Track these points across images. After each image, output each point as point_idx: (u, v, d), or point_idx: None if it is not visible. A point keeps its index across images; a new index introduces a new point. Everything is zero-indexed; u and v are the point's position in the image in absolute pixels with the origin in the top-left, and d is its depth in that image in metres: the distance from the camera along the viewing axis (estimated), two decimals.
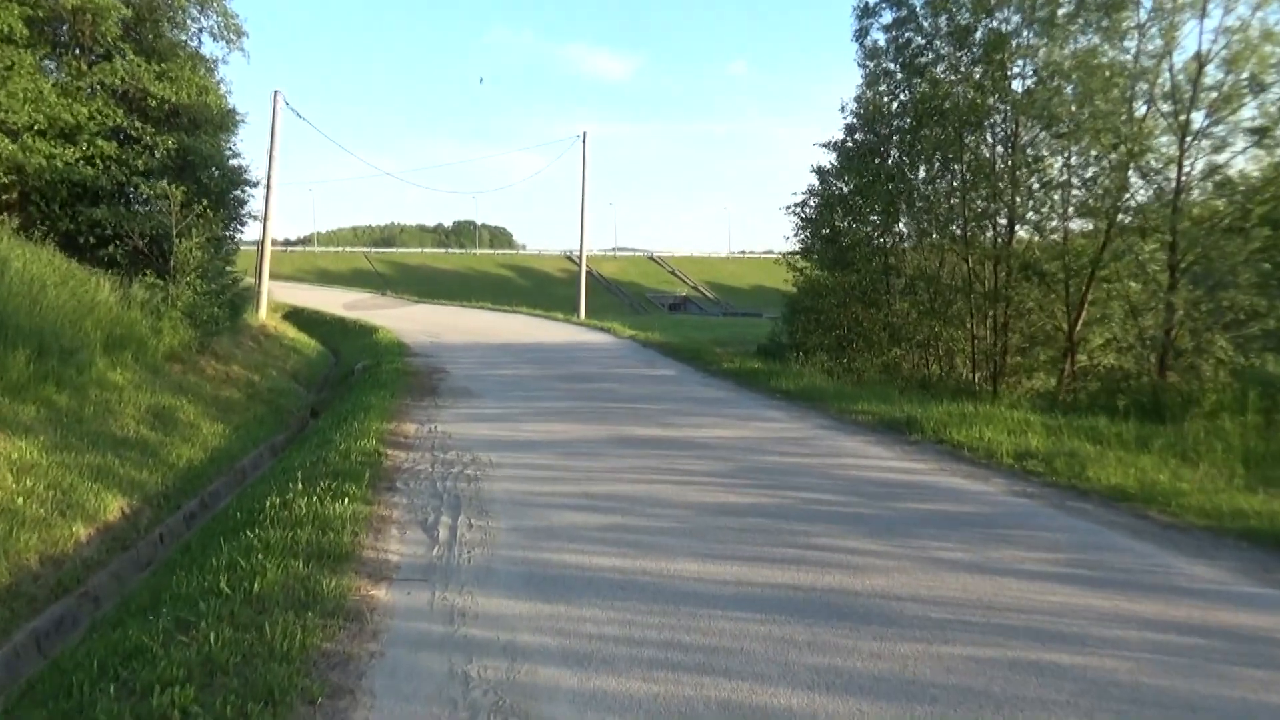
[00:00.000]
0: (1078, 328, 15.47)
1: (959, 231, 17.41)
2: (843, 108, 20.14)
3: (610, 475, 7.80)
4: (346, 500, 6.59)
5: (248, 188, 21.75)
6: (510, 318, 35.50)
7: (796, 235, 20.50)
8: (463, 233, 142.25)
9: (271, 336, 25.88)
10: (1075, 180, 16.06)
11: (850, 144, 19.82)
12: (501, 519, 6.35)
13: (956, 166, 16.92)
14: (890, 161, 18.87)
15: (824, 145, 20.27)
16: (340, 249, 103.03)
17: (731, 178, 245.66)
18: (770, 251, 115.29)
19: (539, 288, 74.84)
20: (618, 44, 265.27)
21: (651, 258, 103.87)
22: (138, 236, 16.44)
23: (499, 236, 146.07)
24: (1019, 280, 16.31)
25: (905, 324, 17.50)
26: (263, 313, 28.88)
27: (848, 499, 6.97)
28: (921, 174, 18.66)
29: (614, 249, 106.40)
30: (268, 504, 6.60)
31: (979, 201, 17.06)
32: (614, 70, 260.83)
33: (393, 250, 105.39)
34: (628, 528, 6.13)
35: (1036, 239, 16.53)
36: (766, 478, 7.71)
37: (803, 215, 20.27)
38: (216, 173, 19.82)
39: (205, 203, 16.60)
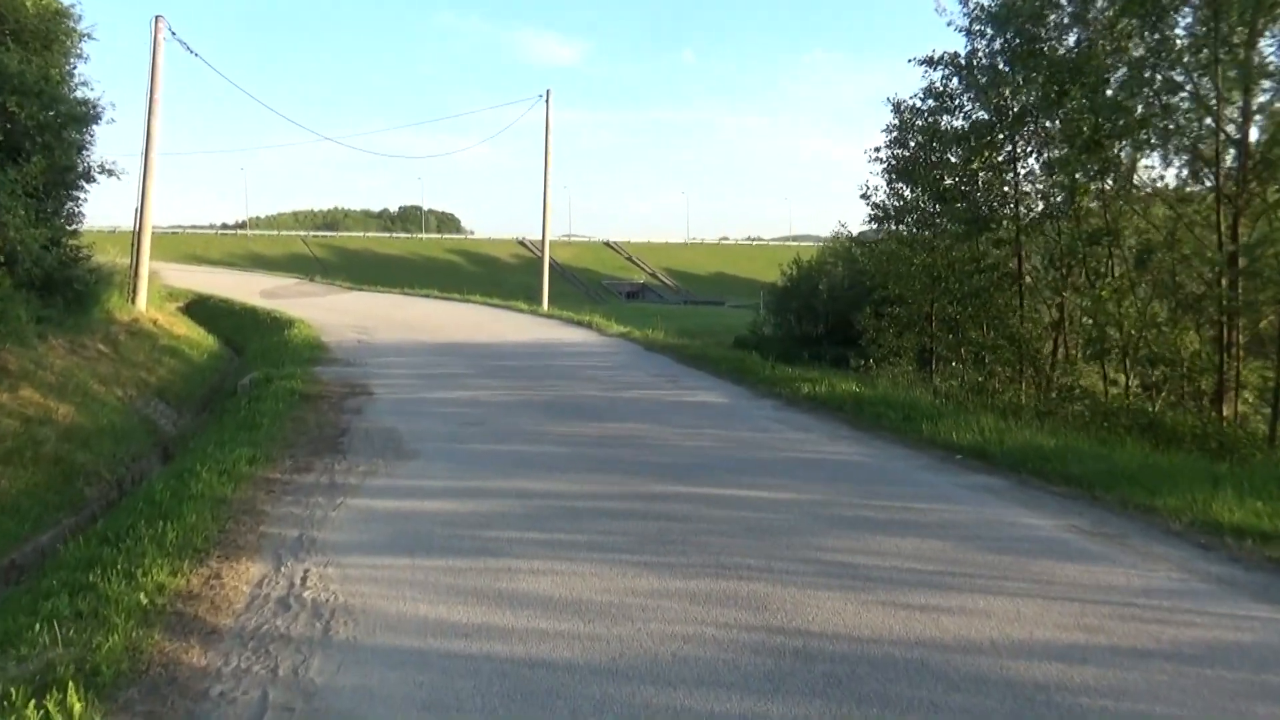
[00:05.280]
0: None
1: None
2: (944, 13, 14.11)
3: None
4: None
5: (90, 126, 15.50)
6: (462, 308, 28.97)
7: (872, 196, 14.43)
8: (409, 218, 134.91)
9: (145, 334, 19.39)
10: None
11: (969, 56, 13.61)
12: None
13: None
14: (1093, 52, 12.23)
15: (923, 62, 14.02)
16: (277, 233, 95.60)
17: (686, 165, 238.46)
18: (726, 238, 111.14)
19: (490, 274, 69.90)
20: (566, 29, 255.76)
21: (607, 244, 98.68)
22: None
23: (447, 222, 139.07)
24: None
25: (1116, 325, 11.07)
26: (141, 302, 22.24)
27: None
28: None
29: (568, 235, 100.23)
30: None
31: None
32: (563, 56, 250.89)
33: (334, 234, 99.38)
34: None
35: None
36: None
37: (895, 161, 14.24)
38: (36, 104, 13.57)
39: None
